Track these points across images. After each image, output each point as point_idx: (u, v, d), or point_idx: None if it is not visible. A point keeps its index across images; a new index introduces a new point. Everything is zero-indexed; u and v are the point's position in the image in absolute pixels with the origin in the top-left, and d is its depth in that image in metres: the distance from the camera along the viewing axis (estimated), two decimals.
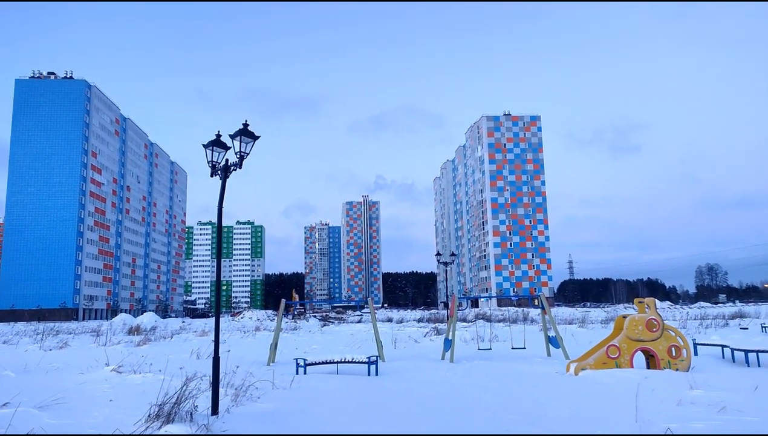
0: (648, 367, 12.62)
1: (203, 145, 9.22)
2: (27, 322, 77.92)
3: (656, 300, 13.40)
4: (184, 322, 60.20)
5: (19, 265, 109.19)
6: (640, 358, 12.91)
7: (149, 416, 7.04)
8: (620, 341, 12.48)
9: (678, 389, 9.56)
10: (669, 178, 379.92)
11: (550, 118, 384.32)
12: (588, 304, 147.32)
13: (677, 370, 12.12)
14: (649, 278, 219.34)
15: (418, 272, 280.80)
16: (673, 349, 12.45)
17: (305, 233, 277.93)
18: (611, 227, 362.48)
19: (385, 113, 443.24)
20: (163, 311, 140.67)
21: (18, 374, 12.98)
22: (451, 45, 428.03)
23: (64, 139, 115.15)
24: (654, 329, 12.47)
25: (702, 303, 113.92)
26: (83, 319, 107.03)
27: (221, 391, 9.04)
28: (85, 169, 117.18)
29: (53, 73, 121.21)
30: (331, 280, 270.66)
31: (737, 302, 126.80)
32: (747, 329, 29.36)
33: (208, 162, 9.19)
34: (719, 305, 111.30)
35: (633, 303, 20.45)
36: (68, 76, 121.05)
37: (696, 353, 16.70)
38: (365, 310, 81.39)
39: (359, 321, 53.88)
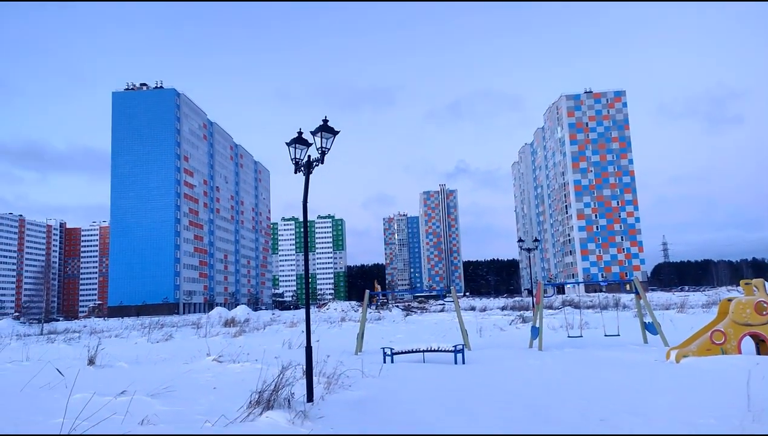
0: (758, 353, 11.69)
1: (286, 144, 9.52)
2: (134, 317, 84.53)
3: (765, 281, 12.38)
4: (273, 314, 62.94)
5: (125, 264, 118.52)
6: (748, 344, 11.98)
7: (250, 402, 7.43)
8: (726, 325, 11.65)
9: None
10: None
11: (638, 93, 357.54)
12: (686, 287, 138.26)
13: None
14: (754, 258, 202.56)
15: (499, 259, 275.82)
16: None
17: (384, 224, 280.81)
18: (710, 206, 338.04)
19: (461, 99, 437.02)
20: (254, 304, 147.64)
21: (130, 365, 14.14)
22: (528, 22, 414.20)
23: (159, 146, 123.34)
24: (764, 312, 11.53)
25: None
26: (183, 313, 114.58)
27: (314, 379, 9.37)
28: (178, 172, 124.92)
29: (145, 84, 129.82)
30: (412, 270, 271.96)
31: None
32: None
33: (292, 159, 9.48)
34: None
35: (737, 285, 18.96)
36: (158, 86, 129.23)
37: None
38: (447, 299, 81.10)
39: (442, 310, 53.82)
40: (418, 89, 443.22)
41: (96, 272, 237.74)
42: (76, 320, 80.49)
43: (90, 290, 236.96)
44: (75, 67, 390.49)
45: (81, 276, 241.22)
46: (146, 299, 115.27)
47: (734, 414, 6.81)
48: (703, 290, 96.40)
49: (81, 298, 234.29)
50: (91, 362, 13.95)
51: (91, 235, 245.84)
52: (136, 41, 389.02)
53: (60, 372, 11.09)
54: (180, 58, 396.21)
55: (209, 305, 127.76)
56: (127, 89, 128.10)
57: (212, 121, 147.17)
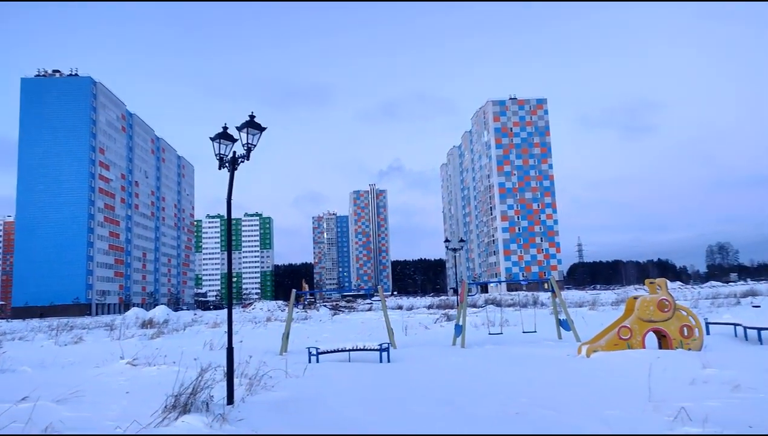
0: (660, 347, 12.61)
1: (210, 139, 9.23)
2: (41, 318, 78.88)
3: (667, 280, 13.37)
4: (195, 314, 60.70)
5: (32, 262, 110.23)
6: (652, 339, 12.89)
7: (166, 407, 7.12)
8: (632, 322, 12.47)
9: (691, 369, 9.55)
10: (683, 158, 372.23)
11: (561, 101, 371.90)
12: (598, 286, 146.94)
13: (689, 349, 12.11)
14: (659, 259, 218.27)
15: (427, 259, 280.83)
16: (685, 329, 12.43)
17: (313, 223, 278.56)
18: (622, 209, 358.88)
19: (395, 101, 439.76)
20: (175, 304, 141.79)
21: (35, 369, 13.17)
22: (460, 29, 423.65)
23: (72, 137, 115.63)
24: (665, 310, 12.44)
25: (713, 282, 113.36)
26: (96, 314, 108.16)
27: (236, 381, 9.13)
28: (93, 165, 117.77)
29: (58, 71, 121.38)
30: (341, 269, 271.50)
31: (749, 280, 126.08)
32: (759, 307, 29.26)
33: (216, 155, 9.21)
34: (731, 283, 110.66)
35: (643, 284, 20.34)
36: (73, 73, 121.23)
37: (708, 333, 16.67)
38: (375, 298, 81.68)
39: (369, 309, 54.11)
40: (351, 89, 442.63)
41: None
42: None
43: None
44: None
45: None
46: (55, 299, 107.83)
47: (637, 405, 7.30)
48: (613, 289, 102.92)
49: None
50: None
51: None
52: (50, 25, 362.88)
53: None
54: (99, 46, 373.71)
55: (125, 306, 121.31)
56: (38, 75, 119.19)
57: (132, 112, 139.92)
